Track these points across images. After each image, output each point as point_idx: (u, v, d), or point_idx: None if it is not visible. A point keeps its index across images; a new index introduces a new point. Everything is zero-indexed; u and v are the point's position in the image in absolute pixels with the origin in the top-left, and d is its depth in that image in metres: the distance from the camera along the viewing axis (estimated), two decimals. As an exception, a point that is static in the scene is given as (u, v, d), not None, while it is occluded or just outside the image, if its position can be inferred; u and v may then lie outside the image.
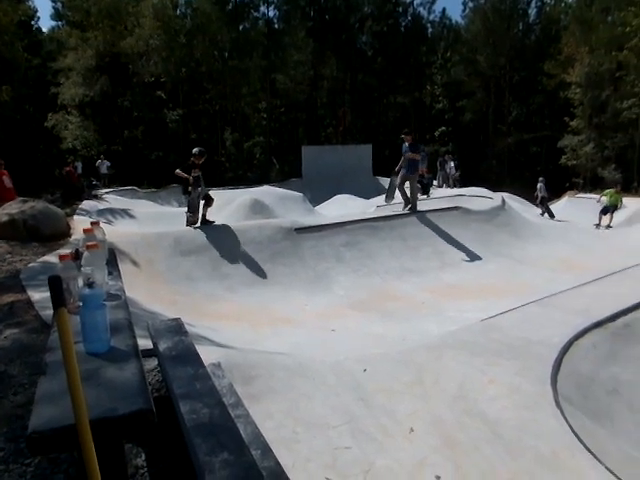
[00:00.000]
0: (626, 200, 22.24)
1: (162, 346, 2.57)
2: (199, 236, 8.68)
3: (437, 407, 3.43)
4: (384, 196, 21.39)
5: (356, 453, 2.90)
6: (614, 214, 16.37)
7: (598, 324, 5.19)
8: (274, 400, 3.23)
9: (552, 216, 18.64)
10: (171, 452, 2.37)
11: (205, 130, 40.85)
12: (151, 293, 6.71)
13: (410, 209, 11.04)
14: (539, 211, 19.10)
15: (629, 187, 32.82)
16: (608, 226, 15.83)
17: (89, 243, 2.35)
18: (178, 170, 9.29)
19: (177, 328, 2.86)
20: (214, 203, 9.57)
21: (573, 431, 3.26)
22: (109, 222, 12.45)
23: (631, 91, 34.17)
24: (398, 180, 11.43)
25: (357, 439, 3.02)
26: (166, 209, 18.99)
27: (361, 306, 7.23)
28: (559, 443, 3.17)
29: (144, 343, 2.74)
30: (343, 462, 2.83)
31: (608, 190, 17.54)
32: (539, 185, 20.17)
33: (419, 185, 16.85)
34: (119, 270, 3.34)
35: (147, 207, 18.47)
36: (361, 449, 2.94)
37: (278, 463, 2.10)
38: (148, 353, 2.85)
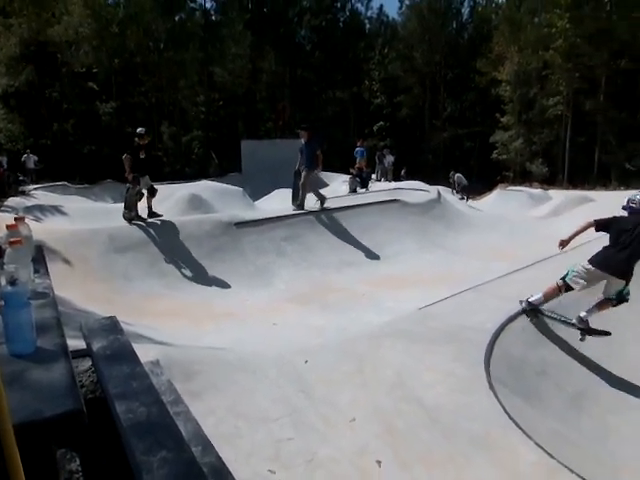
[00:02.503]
0: (552, 192, 23.53)
1: (96, 345, 2.46)
2: (135, 232, 8.42)
3: (376, 395, 3.51)
4: (325, 190, 21.49)
5: (298, 444, 2.93)
6: None
7: (527, 309, 5.46)
8: (215, 396, 3.20)
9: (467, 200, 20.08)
10: (108, 455, 2.30)
11: (141, 124, 39.44)
12: (85, 293, 6.45)
13: (299, 205, 10.37)
14: (462, 197, 20.27)
15: (554, 180, 34.74)
16: None
17: (12, 239, 2.22)
18: (126, 156, 8.83)
19: (112, 326, 2.75)
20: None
21: (505, 411, 3.43)
22: (38, 219, 11.84)
23: (556, 89, 36.15)
24: (302, 180, 10.58)
25: (299, 430, 3.04)
26: (100, 205, 18.27)
27: (302, 299, 7.26)
28: (492, 423, 3.32)
29: (77, 343, 2.63)
30: (286, 454, 2.84)
31: None
32: (457, 176, 21.48)
33: (358, 179, 17.14)
34: (47, 267, 3.18)
35: (79, 203, 17.69)
36: (303, 440, 2.97)
37: (220, 458, 2.08)
38: (81, 353, 2.72)
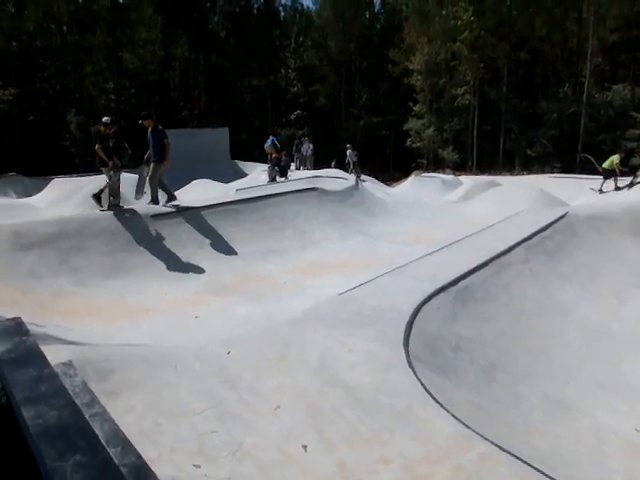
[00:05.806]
0: (462, 178, 24.73)
1: (-2, 350, 2.29)
2: (43, 228, 7.89)
3: (301, 380, 3.54)
4: (244, 179, 21.24)
5: (223, 435, 2.89)
6: (613, 179, 16.37)
7: (442, 289, 5.74)
8: (134, 393, 3.08)
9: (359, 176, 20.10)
10: (17, 465, 2.16)
11: (46, 112, 36.87)
12: (-14, 295, 5.98)
13: (152, 202, 9.68)
14: (353, 177, 20.38)
15: (465, 166, 36.55)
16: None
17: None
18: (98, 146, 9.17)
19: (16, 328, 2.56)
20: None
21: (424, 387, 3.58)
22: None
23: (463, 79, 37.94)
24: (149, 171, 9.80)
25: (223, 421, 3.00)
26: (3, 201, 16.95)
27: (225, 290, 7.16)
28: (412, 399, 3.46)
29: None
30: (210, 446, 2.80)
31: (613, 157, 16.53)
32: (348, 152, 21.87)
33: (277, 168, 17.10)
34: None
35: (-23, 199, 16.30)
36: (228, 431, 2.94)
37: (140, 457, 2.01)
38: (-19, 359, 2.53)
